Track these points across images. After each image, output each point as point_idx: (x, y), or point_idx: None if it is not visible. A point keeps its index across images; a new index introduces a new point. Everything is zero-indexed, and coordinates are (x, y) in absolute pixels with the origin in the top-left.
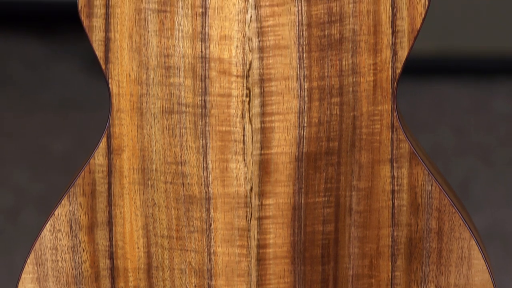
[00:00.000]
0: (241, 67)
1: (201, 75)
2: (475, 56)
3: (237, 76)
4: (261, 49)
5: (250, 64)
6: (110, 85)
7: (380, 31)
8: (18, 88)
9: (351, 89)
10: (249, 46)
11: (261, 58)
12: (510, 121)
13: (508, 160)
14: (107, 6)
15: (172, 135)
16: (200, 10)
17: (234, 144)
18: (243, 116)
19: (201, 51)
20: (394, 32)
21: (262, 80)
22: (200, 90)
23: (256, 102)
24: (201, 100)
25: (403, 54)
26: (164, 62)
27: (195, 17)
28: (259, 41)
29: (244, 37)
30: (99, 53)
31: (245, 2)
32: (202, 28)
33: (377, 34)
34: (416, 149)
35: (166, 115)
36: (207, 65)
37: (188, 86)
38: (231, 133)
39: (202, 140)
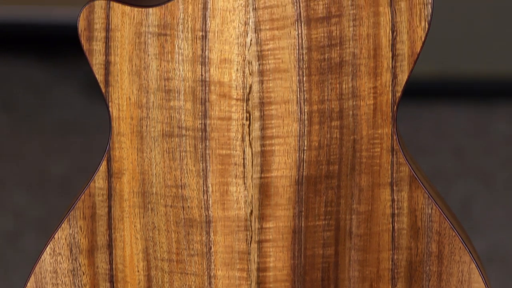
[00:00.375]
0: (241, 91)
1: (201, 98)
2: (476, 79)
3: (237, 100)
4: (261, 73)
5: (250, 87)
6: (110, 109)
7: (380, 55)
8: (18, 110)
9: (351, 112)
10: (249, 70)
11: (261, 82)
12: (511, 143)
13: (508, 183)
14: (107, 29)
15: (172, 158)
16: (200, 33)
17: (234, 168)
18: (243, 140)
19: (201, 75)
20: (394, 56)
21: (262, 104)
22: (200, 114)
23: (256, 125)
24: (201, 123)
25: (403, 77)
26: (164, 86)
27: (195, 40)
28: (259, 65)
29: (244, 60)
30: (99, 76)
31: (245, 25)
32: (202, 52)
33: (377, 57)
34: (416, 172)
35: (166, 139)
36: (207, 88)
37: (188, 109)
38: (231, 157)
39: (202, 163)
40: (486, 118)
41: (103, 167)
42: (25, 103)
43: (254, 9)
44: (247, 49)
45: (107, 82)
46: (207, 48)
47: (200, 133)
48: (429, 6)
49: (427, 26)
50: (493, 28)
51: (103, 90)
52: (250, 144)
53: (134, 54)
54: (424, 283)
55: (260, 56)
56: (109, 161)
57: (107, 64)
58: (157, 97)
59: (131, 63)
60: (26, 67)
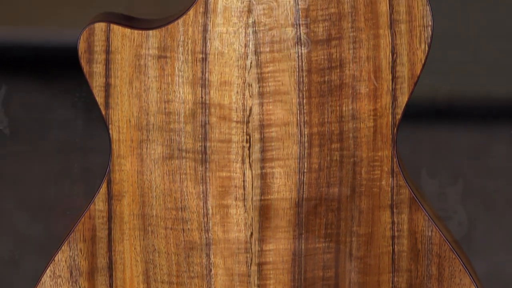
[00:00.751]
0: (241, 113)
1: (201, 120)
2: (476, 101)
3: (237, 122)
4: (261, 95)
5: (250, 109)
6: (110, 131)
7: (380, 77)
8: (18, 132)
9: (351, 134)
10: (249, 92)
11: (261, 104)
12: (511, 165)
13: (509, 205)
14: (107, 52)
15: (172, 180)
16: (200, 56)
17: (235, 190)
18: (243, 162)
19: (201, 97)
20: (394, 78)
21: (262, 126)
22: (200, 136)
23: (256, 147)
24: (201, 145)
25: (403, 99)
26: (164, 108)
27: (195, 63)
28: (259, 87)
29: (244, 82)
30: (99, 99)
31: (245, 48)
32: (202, 74)
33: (377, 80)
34: (416, 194)
35: (166, 161)
36: (207, 110)
37: (188, 131)
38: (231, 179)
39: (202, 185)
40: (487, 140)
41: (103, 189)
42: (25, 125)
43: (255, 31)
44: (247, 71)
45: (107, 105)
46: (207, 70)
47: (200, 156)
48: (429, 29)
49: (427, 48)
50: (495, 48)
51: (103, 113)
52: (250, 166)
53: (134, 77)
54: None
55: (260, 79)
56: (109, 184)
57: (107, 87)
58: (157, 119)
59: (131, 86)
60: (26, 89)
